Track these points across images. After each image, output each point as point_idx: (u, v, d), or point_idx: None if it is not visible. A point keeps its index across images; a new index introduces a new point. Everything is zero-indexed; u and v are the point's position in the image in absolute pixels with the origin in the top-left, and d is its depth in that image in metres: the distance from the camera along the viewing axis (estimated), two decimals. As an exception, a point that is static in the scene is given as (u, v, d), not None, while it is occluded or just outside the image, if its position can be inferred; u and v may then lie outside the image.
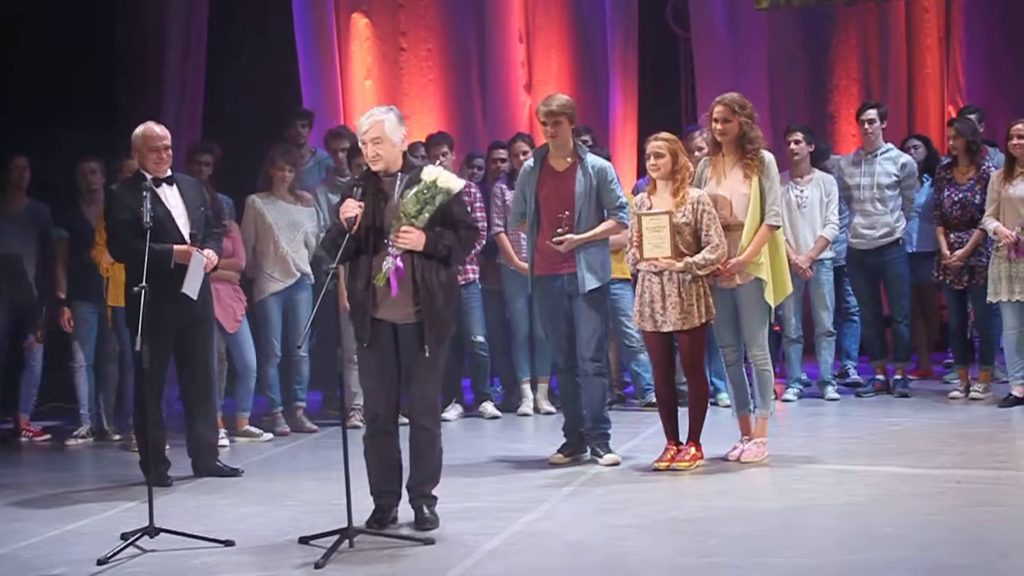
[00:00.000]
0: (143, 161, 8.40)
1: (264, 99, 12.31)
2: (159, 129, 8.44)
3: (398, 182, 6.91)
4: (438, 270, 6.88)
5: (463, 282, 10.40)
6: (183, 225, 8.40)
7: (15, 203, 10.41)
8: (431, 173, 6.82)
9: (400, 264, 6.78)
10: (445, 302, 6.90)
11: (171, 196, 8.42)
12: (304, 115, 11.58)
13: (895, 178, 10.56)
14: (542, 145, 8.68)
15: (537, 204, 8.54)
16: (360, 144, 7.00)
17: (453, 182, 6.85)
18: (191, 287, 8.31)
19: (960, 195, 10.32)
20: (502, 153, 10.94)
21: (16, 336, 10.46)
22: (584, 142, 8.86)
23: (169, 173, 8.47)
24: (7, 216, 10.34)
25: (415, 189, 6.76)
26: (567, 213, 8.40)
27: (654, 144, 8.26)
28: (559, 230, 8.39)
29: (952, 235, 10.36)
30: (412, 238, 6.76)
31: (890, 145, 10.74)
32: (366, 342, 6.90)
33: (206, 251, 8.45)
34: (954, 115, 12.14)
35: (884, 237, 10.57)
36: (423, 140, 10.86)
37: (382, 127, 6.91)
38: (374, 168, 6.95)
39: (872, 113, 10.67)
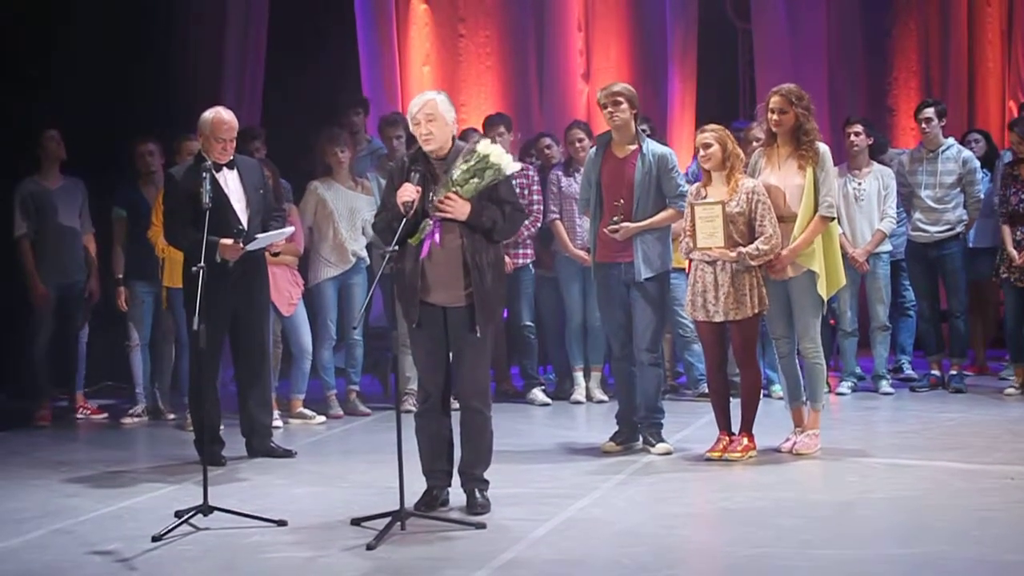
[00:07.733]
0: (207, 148, 8.38)
1: (323, 84, 12.33)
2: (228, 116, 8.40)
3: (454, 155, 6.90)
4: (487, 250, 6.89)
5: (516, 267, 10.44)
6: (241, 211, 8.41)
7: (53, 178, 10.43)
8: (485, 147, 6.83)
9: (438, 229, 6.79)
10: (494, 282, 6.90)
11: (231, 180, 8.43)
12: (360, 103, 11.57)
13: (957, 175, 10.47)
14: (605, 132, 8.66)
15: (599, 190, 8.52)
16: (412, 125, 6.97)
17: (506, 162, 6.84)
18: (252, 246, 8.34)
19: (1028, 193, 10.25)
20: (547, 141, 11.02)
21: (61, 312, 10.46)
22: (643, 131, 8.85)
23: (231, 157, 8.48)
24: (47, 191, 10.35)
25: (467, 158, 6.79)
26: (621, 201, 8.38)
27: (701, 136, 8.25)
28: (615, 218, 8.37)
29: (1019, 232, 10.26)
30: (456, 206, 6.76)
31: (951, 141, 10.61)
32: (415, 323, 6.92)
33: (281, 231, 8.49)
34: (1015, 111, 12.02)
35: (945, 232, 10.49)
36: (476, 127, 10.88)
37: (435, 105, 6.90)
38: (426, 148, 6.93)
39: (929, 112, 10.53)
